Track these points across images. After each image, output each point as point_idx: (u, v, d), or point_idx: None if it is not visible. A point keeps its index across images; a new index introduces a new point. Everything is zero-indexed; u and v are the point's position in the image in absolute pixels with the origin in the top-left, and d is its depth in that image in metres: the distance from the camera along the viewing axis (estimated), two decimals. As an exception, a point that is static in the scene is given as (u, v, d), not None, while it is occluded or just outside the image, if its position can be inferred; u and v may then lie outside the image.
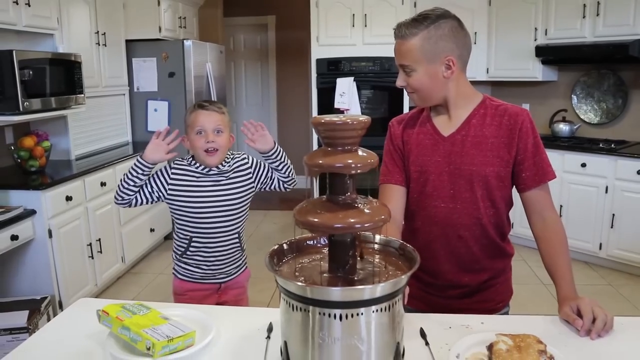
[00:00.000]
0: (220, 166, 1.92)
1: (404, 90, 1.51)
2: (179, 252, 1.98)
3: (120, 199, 1.89)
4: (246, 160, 2.02)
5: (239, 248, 2.02)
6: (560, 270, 1.42)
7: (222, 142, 1.89)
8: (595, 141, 4.41)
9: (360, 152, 1.02)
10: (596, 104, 4.66)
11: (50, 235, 3.09)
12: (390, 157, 1.62)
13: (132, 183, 1.85)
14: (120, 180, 1.88)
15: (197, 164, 1.91)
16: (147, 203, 1.93)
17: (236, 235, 1.98)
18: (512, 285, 1.66)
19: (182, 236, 1.96)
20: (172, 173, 1.91)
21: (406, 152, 1.58)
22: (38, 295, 3.04)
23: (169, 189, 1.90)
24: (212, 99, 5.14)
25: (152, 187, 1.89)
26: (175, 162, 1.94)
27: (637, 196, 3.83)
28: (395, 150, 1.61)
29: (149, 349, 1.11)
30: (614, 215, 3.96)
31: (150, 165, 1.85)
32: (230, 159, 1.97)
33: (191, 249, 1.94)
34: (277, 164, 2.00)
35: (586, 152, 4.12)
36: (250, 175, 2.00)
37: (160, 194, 1.90)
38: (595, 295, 3.65)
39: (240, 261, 2.06)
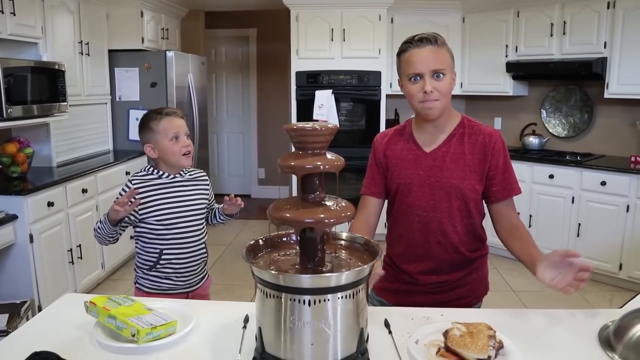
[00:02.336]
0: (182, 173, 1.98)
1: (428, 97, 1.55)
2: (147, 267, 1.95)
3: (105, 245, 1.95)
4: (206, 177, 2.09)
5: (206, 256, 2.05)
6: (535, 254, 1.49)
7: (192, 145, 1.97)
8: (563, 154, 4.61)
9: (328, 155, 1.14)
10: (564, 118, 4.87)
11: (32, 240, 3.14)
12: (371, 171, 1.79)
13: (110, 237, 1.89)
14: (96, 236, 1.91)
15: (161, 172, 1.94)
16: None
17: (204, 245, 2.02)
18: (488, 282, 1.81)
19: (150, 250, 1.94)
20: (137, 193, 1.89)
21: (389, 166, 1.72)
22: (18, 299, 3.07)
23: (139, 209, 1.89)
24: (193, 109, 5.22)
25: (124, 220, 1.87)
26: (134, 179, 1.93)
27: (601, 206, 4.01)
28: (376, 164, 1.77)
29: (133, 335, 1.20)
30: (579, 224, 4.14)
31: (116, 225, 1.85)
32: (188, 170, 2.02)
33: (162, 261, 1.93)
34: (223, 219, 2.12)
35: (554, 164, 4.31)
36: (208, 191, 2.07)
37: (134, 218, 1.90)
38: (562, 302, 3.79)
39: (204, 272, 2.09)
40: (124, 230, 1.93)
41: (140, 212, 1.89)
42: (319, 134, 1.10)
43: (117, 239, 1.93)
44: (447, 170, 1.63)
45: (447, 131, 1.66)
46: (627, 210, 3.86)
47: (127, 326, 1.21)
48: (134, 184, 1.90)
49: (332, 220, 1.09)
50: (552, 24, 4.42)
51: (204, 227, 2.03)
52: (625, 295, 3.91)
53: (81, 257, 3.68)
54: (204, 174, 2.10)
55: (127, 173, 4.37)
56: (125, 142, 4.87)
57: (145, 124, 1.93)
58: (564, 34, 4.35)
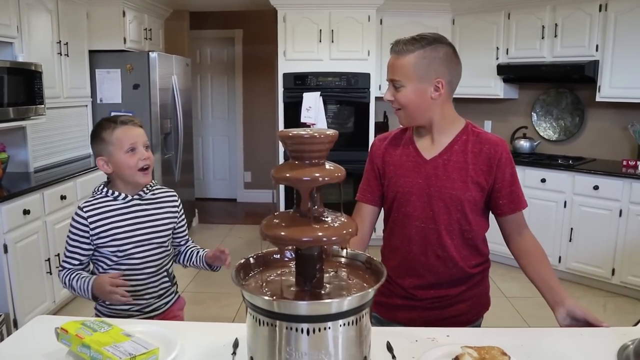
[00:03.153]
0: (142, 192, 1.73)
1: (391, 105, 1.54)
2: (105, 303, 1.73)
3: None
4: (175, 197, 1.83)
5: (169, 285, 1.82)
6: (546, 277, 1.50)
7: (152, 158, 1.72)
8: (554, 157, 4.55)
9: (327, 165, 1.02)
10: (555, 121, 4.81)
11: (6, 251, 2.98)
12: (367, 176, 1.69)
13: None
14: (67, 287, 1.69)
15: (116, 193, 1.70)
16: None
17: (165, 274, 1.79)
18: (489, 297, 1.72)
19: None
20: (90, 222, 1.65)
21: (387, 172, 1.62)
22: (-9, 313, 2.92)
23: (93, 239, 1.66)
24: (177, 112, 5.08)
25: (81, 253, 1.67)
26: (85, 206, 1.68)
27: (593, 210, 3.95)
28: (373, 170, 1.66)
29: (109, 367, 1.08)
30: (572, 229, 4.08)
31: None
32: (152, 187, 1.78)
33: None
34: (200, 266, 1.85)
35: (546, 168, 4.24)
36: (176, 215, 1.81)
37: (90, 249, 1.68)
38: (555, 308, 3.74)
39: (172, 295, 1.85)
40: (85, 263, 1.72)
41: (93, 242, 1.67)
42: (317, 142, 0.99)
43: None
44: (448, 180, 1.52)
45: (449, 138, 1.55)
46: (620, 215, 3.81)
47: (103, 357, 1.09)
48: (85, 212, 1.66)
49: (333, 239, 0.97)
50: (543, 27, 4.36)
51: (167, 255, 1.78)
52: (619, 301, 3.86)
53: (60, 267, 3.51)
54: (174, 193, 1.84)
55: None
56: (107, 145, 4.70)
57: (96, 134, 1.68)
58: (555, 36, 4.29)
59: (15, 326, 3.04)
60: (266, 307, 0.98)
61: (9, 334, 2.96)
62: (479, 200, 1.54)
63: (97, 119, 4.67)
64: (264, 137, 6.79)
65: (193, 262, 1.85)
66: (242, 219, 6.09)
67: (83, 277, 1.64)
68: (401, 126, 1.65)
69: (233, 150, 7.01)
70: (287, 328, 0.97)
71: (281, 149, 4.97)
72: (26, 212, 3.15)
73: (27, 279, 3.17)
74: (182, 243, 1.88)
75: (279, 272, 1.14)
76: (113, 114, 4.61)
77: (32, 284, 3.23)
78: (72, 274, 1.67)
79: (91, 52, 4.57)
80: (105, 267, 1.71)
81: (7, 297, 3.01)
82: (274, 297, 1.01)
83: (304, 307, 0.98)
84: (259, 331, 1.01)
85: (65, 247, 1.69)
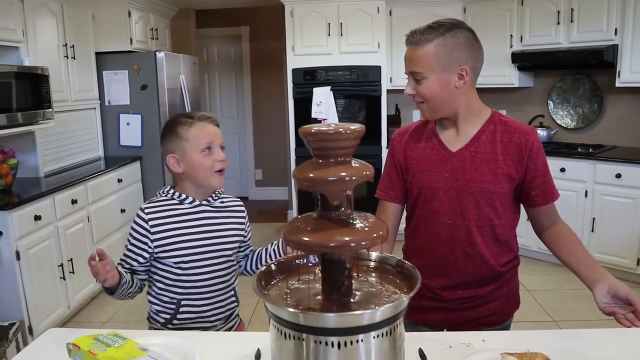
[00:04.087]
0: (211, 198, 1.60)
1: (412, 99, 1.46)
2: (162, 321, 1.57)
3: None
4: (242, 207, 1.69)
5: (236, 304, 1.67)
6: (583, 257, 1.44)
7: (226, 160, 1.58)
8: (573, 146, 4.43)
9: (354, 164, 0.94)
10: (572, 109, 4.69)
11: (18, 258, 2.93)
12: (388, 173, 1.60)
13: (127, 294, 1.53)
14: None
15: (183, 196, 1.56)
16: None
17: (233, 292, 1.65)
18: (519, 295, 1.63)
19: (166, 300, 1.56)
20: (151, 225, 1.52)
21: (410, 167, 1.53)
22: (6, 322, 2.86)
23: (154, 245, 1.52)
24: (187, 111, 5.02)
25: (134, 258, 1.53)
26: (147, 208, 1.55)
27: (616, 199, 3.84)
28: (394, 165, 1.58)
29: (125, 385, 1.01)
30: (594, 219, 3.97)
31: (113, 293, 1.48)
32: (220, 195, 1.64)
33: (179, 316, 1.55)
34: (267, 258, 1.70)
35: (565, 157, 4.12)
36: (244, 226, 1.67)
37: (148, 256, 1.54)
38: (578, 300, 3.64)
39: (236, 318, 1.71)
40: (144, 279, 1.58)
41: (155, 250, 1.53)
42: (343, 138, 0.90)
43: (141, 288, 1.57)
44: (477, 173, 1.43)
45: (475, 128, 1.46)
46: (645, 203, 3.69)
47: (118, 374, 1.02)
48: (146, 214, 1.53)
49: (362, 244, 0.89)
50: (558, 12, 4.23)
51: (234, 270, 1.64)
52: (645, 292, 3.75)
53: (73, 272, 3.47)
54: (240, 203, 1.69)
55: (120, 180, 4.17)
56: (117, 148, 4.66)
57: (171, 130, 1.54)
58: (571, 21, 4.16)
59: (31, 333, 3.00)
60: (292, 319, 0.90)
61: (24, 341, 2.92)
62: (510, 192, 1.46)
63: (105, 121, 4.65)
64: (274, 134, 6.72)
65: (269, 255, 1.69)
66: (254, 217, 6.02)
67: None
68: (402, 119, 1.56)
69: (243, 148, 6.95)
70: (315, 342, 0.89)
71: (292, 145, 4.89)
72: (37, 217, 3.10)
73: (41, 285, 3.13)
74: (247, 256, 1.74)
75: (303, 279, 1.07)
76: (122, 115, 4.60)
77: (46, 291, 3.19)
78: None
79: (98, 54, 4.51)
80: (166, 282, 1.55)
81: (21, 305, 2.96)
82: (300, 309, 0.93)
83: (332, 319, 0.90)
84: (284, 344, 0.93)
85: (124, 251, 1.58)
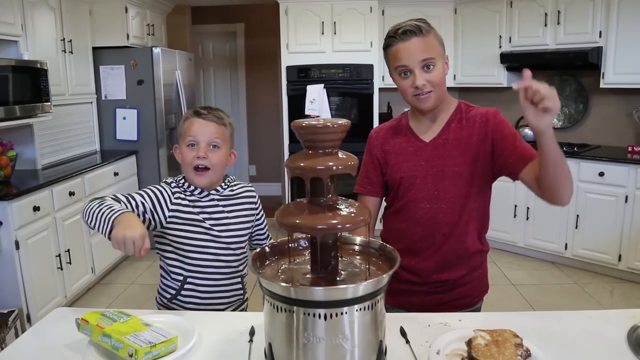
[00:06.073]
0: (219, 188, 1.63)
1: (421, 90, 1.48)
2: (168, 297, 1.62)
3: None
4: (254, 193, 1.72)
5: (241, 292, 1.70)
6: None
7: (216, 159, 1.56)
8: (559, 145, 4.53)
9: (340, 154, 1.04)
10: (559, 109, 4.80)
11: (18, 247, 3.01)
12: (366, 169, 1.70)
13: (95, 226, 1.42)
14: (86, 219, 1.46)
15: (192, 187, 1.60)
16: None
17: (239, 279, 1.68)
18: (488, 280, 1.73)
19: (173, 276, 1.61)
20: (175, 197, 1.57)
21: (389, 160, 1.64)
22: (5, 309, 2.95)
23: (169, 217, 1.55)
24: (182, 107, 5.09)
25: (153, 214, 1.53)
26: (172, 182, 1.61)
27: (599, 197, 3.96)
28: (372, 162, 1.68)
29: (131, 355, 1.10)
30: (578, 216, 4.09)
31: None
32: (230, 183, 1.68)
33: (184, 292, 1.61)
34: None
35: (550, 156, 4.23)
36: (254, 213, 1.71)
37: (159, 223, 1.56)
38: (562, 294, 3.77)
39: (241, 308, 1.73)
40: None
41: (167, 221, 1.55)
42: (330, 132, 1.01)
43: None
44: (450, 158, 1.55)
45: (445, 118, 1.59)
46: (626, 201, 3.82)
47: (124, 345, 1.11)
48: (172, 187, 1.58)
49: (347, 226, 0.99)
50: (546, 14, 4.35)
51: (244, 257, 1.67)
52: (626, 286, 3.87)
53: (70, 262, 3.55)
54: (252, 189, 1.72)
55: (116, 174, 4.25)
56: (113, 142, 4.73)
57: (180, 122, 1.64)
58: (558, 23, 4.28)
59: (29, 321, 3.07)
60: (284, 293, 1.00)
61: (22, 328, 3.00)
62: (483, 172, 1.55)
63: (102, 116, 4.72)
64: (268, 130, 6.80)
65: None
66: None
67: (115, 207, 1.41)
68: (394, 117, 1.67)
69: (237, 144, 7.00)
70: (304, 314, 0.99)
71: (286, 142, 4.98)
72: (36, 208, 3.18)
73: (39, 274, 3.21)
74: (263, 243, 1.78)
75: (294, 260, 1.17)
76: (118, 110, 4.67)
77: (44, 280, 3.27)
78: (107, 201, 1.45)
79: (95, 48, 4.58)
80: (176, 256, 1.58)
81: (19, 293, 3.04)
82: (291, 284, 1.03)
83: (320, 293, 1.00)
84: (276, 317, 1.03)
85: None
